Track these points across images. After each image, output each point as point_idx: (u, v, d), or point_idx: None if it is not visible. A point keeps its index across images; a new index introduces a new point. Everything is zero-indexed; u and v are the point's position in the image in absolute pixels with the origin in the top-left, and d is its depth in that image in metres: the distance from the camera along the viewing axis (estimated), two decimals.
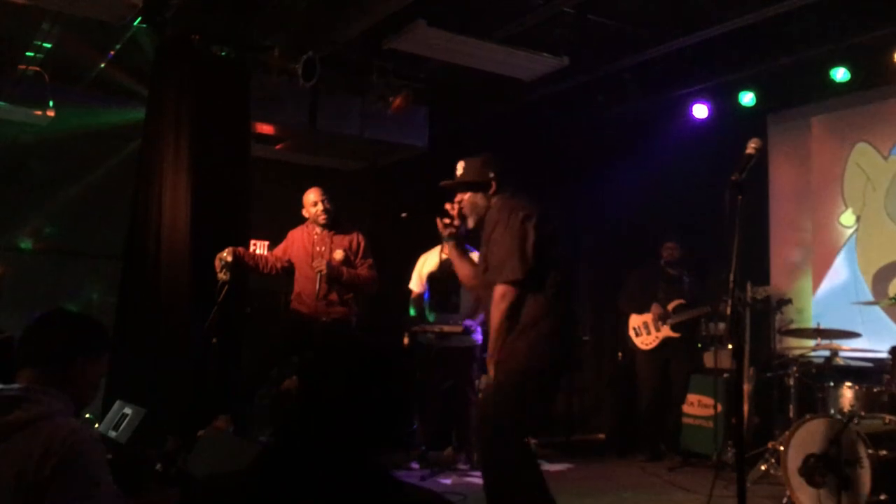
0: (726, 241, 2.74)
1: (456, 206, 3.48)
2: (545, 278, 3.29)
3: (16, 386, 2.06)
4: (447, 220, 3.50)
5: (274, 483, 1.54)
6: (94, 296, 6.91)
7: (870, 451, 4.24)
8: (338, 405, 1.61)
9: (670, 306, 6.21)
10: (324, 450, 1.58)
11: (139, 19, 5.18)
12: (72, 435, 1.95)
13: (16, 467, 1.89)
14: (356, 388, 1.62)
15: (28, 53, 5.82)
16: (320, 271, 5.02)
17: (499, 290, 3.22)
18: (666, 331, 6.20)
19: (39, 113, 6.21)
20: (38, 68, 5.98)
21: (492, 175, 3.43)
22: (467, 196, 3.45)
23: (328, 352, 1.71)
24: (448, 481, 5.33)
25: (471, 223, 3.48)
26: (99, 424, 4.44)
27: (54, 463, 1.89)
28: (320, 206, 5.17)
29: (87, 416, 5.48)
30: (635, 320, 6.40)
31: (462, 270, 3.62)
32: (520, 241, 3.22)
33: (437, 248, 5.87)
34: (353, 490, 1.54)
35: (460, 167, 3.50)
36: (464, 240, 3.62)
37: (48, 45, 5.73)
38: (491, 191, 3.43)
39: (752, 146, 2.84)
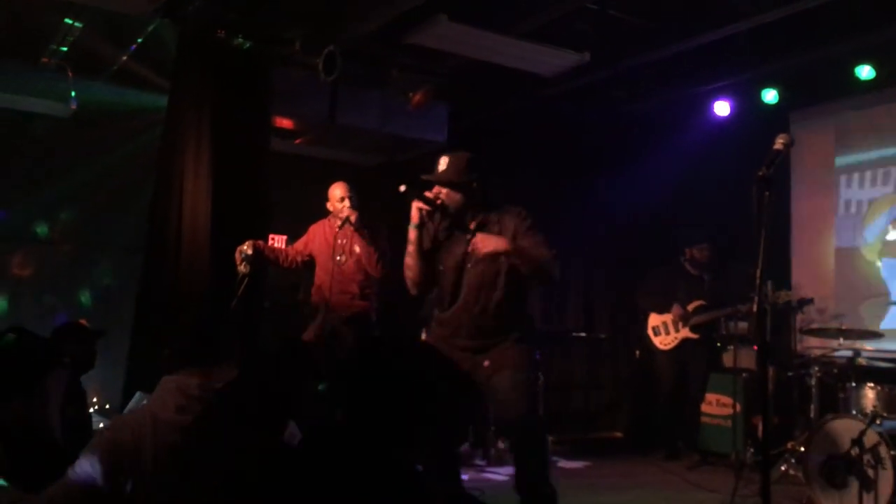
0: (749, 239, 2.71)
1: (438, 195, 3.53)
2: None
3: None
4: (425, 208, 3.52)
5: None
6: (112, 287, 6.95)
7: (892, 452, 4.20)
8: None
9: (690, 307, 6.17)
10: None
11: (161, 13, 5.20)
12: None
13: None
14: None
15: (51, 46, 5.85)
16: (348, 217, 5.04)
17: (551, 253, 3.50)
18: (685, 332, 6.16)
19: (62, 105, 6.26)
20: (61, 61, 6.02)
21: (474, 177, 3.54)
22: (446, 191, 3.53)
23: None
24: (465, 476, 5.31)
25: (450, 213, 3.57)
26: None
27: None
28: (347, 203, 5.15)
29: (107, 406, 5.54)
30: (655, 320, 6.36)
31: (411, 257, 3.65)
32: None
33: None
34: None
35: (443, 162, 3.56)
36: (425, 230, 3.65)
37: (71, 39, 5.77)
38: (471, 193, 3.54)
39: (780, 141, 2.80)
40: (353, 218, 5.03)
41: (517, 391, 3.49)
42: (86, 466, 2.06)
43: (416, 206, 3.52)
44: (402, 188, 3.53)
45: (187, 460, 2.07)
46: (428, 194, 3.53)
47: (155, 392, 2.20)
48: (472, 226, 3.58)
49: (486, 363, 3.56)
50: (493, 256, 3.48)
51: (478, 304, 3.57)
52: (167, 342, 2.32)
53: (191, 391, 2.15)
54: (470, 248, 3.54)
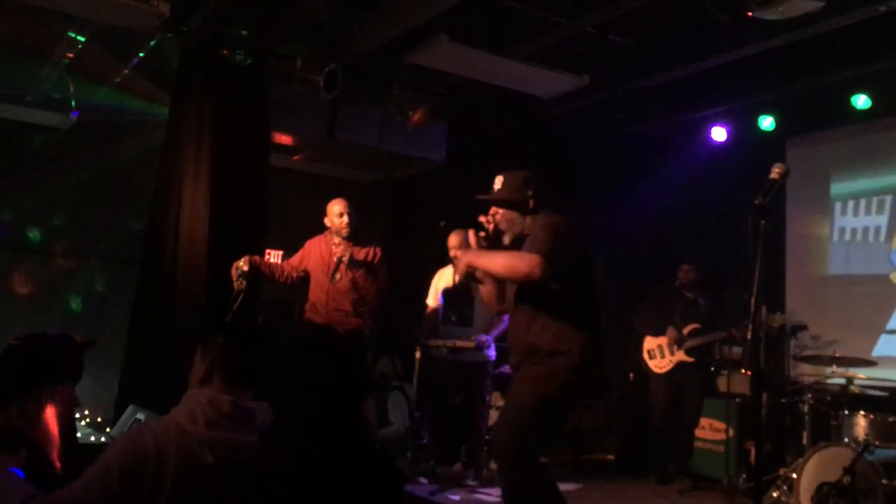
0: (744, 265, 2.73)
1: (491, 219, 3.44)
2: (575, 301, 3.31)
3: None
4: (482, 234, 3.46)
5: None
6: (102, 296, 6.94)
7: (884, 481, 4.21)
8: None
9: (686, 330, 6.17)
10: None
11: (165, 28, 5.23)
12: None
13: None
14: None
15: (53, 59, 5.87)
16: (340, 258, 5.05)
17: (531, 257, 3.12)
18: (680, 355, 6.17)
19: (62, 117, 6.28)
20: (62, 74, 6.04)
21: (530, 193, 3.39)
22: (502, 212, 3.42)
23: None
24: (457, 497, 5.31)
25: (506, 239, 3.44)
26: (111, 429, 4.46)
27: None
28: (346, 219, 5.18)
29: (99, 419, 5.51)
30: (650, 343, 6.36)
31: (488, 287, 3.57)
32: (553, 237, 3.19)
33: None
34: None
35: (498, 181, 3.45)
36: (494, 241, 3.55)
37: (73, 52, 5.79)
38: (528, 210, 3.39)
39: (776, 171, 2.82)
40: (345, 258, 5.05)
41: (502, 422, 3.37)
42: (104, 465, 2.04)
43: (471, 233, 3.47)
44: (442, 224, 3.55)
45: (213, 476, 2.06)
46: (482, 218, 3.45)
47: (182, 404, 2.18)
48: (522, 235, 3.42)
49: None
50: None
51: (518, 318, 3.40)
52: (202, 355, 2.30)
53: (222, 408, 2.14)
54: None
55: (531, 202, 3.39)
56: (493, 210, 3.44)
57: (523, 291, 3.35)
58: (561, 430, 3.59)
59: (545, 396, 3.20)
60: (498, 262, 3.25)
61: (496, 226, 3.42)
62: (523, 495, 3.28)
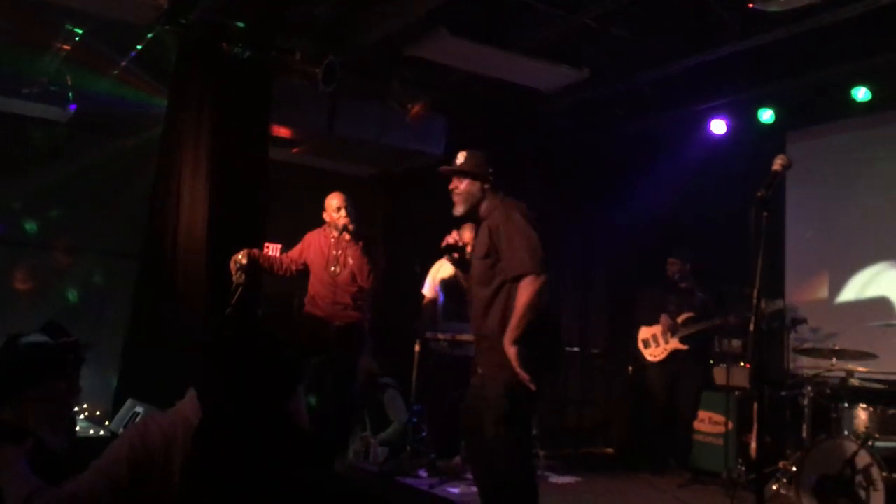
0: (743, 257, 2.73)
1: (457, 237, 3.72)
2: None
3: None
4: (450, 245, 3.72)
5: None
6: (99, 290, 6.92)
7: (884, 473, 4.22)
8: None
9: (680, 319, 6.18)
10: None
11: (163, 21, 5.20)
12: None
13: None
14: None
15: (51, 51, 5.85)
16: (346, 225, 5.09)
17: (527, 280, 3.34)
18: (675, 343, 6.16)
19: (60, 110, 6.26)
20: (60, 66, 6.01)
21: (491, 170, 3.67)
22: (464, 184, 3.65)
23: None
24: (456, 490, 5.31)
25: (461, 210, 3.68)
26: (110, 422, 4.45)
27: None
28: (344, 213, 5.16)
29: (98, 412, 5.50)
30: (644, 332, 6.37)
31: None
32: (527, 236, 3.43)
33: None
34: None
35: (461, 156, 3.72)
36: (467, 264, 3.76)
37: (70, 45, 5.76)
38: (487, 185, 3.65)
39: (778, 162, 2.81)
40: (350, 227, 5.05)
41: (486, 411, 3.42)
42: (112, 457, 2.03)
43: (443, 245, 3.74)
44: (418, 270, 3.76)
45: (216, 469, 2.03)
46: (449, 239, 3.72)
47: (187, 398, 2.15)
48: (482, 217, 3.66)
49: (480, 370, 3.54)
50: (486, 256, 3.52)
51: (476, 300, 3.57)
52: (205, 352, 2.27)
53: None
54: (471, 247, 3.71)
55: (490, 177, 3.66)
56: (453, 184, 3.68)
57: (476, 276, 3.56)
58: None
59: (510, 382, 3.33)
60: (526, 316, 3.33)
61: (463, 243, 3.72)
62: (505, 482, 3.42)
